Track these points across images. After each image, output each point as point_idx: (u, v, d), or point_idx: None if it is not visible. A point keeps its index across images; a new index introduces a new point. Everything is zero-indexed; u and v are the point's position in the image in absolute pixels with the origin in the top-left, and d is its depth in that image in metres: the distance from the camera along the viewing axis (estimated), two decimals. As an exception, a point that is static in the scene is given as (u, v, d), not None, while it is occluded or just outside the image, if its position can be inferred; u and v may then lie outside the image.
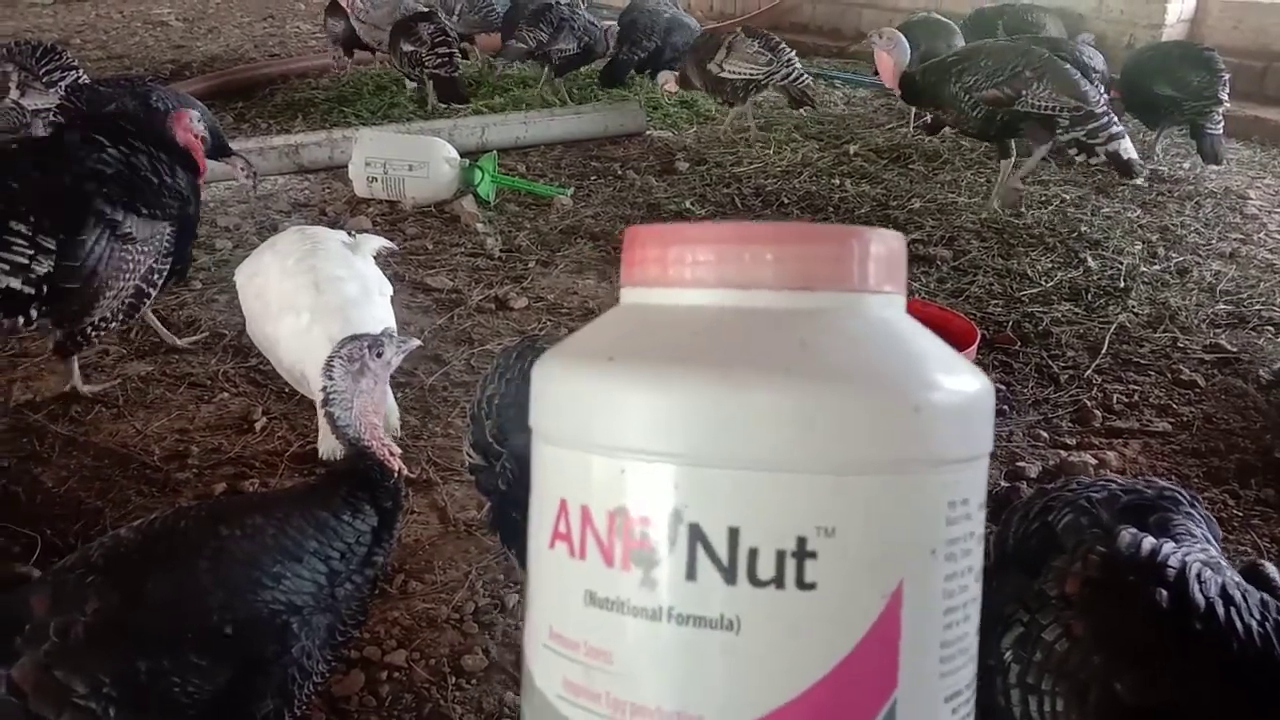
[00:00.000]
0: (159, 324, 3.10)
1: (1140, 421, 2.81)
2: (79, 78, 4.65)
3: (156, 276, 2.68)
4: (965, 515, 0.38)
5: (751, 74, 5.17)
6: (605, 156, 5.14)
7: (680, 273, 0.39)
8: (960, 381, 0.37)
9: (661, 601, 0.35)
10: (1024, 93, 3.99)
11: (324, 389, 1.50)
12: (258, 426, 2.67)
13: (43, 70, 4.55)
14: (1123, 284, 3.66)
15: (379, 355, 1.58)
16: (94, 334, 2.63)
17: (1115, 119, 4.05)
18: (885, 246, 0.40)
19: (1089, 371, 3.05)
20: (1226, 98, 4.65)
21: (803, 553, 0.34)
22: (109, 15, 8.98)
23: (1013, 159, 4.32)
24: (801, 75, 5.25)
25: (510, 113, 5.53)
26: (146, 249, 2.60)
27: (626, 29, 5.97)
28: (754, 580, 0.34)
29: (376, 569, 1.45)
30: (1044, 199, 4.53)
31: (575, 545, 0.38)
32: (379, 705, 1.82)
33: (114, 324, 2.65)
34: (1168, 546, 1.25)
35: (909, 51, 4.41)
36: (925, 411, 0.36)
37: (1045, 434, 2.73)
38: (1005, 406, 2.85)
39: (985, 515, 0.40)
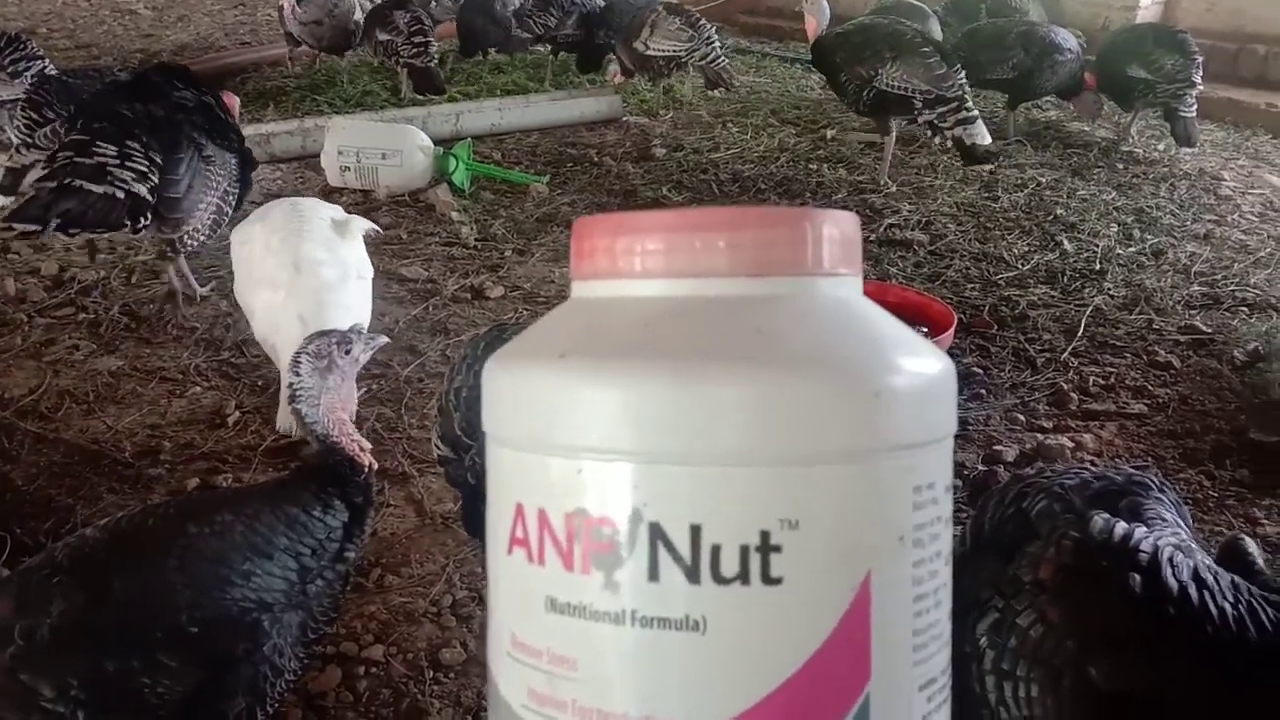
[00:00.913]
0: (189, 272, 3.21)
1: (1116, 404, 2.82)
2: (45, 68, 4.57)
3: (231, 198, 3.12)
4: (932, 499, 0.37)
5: (674, 51, 5.28)
6: (581, 143, 5.11)
7: (630, 263, 0.38)
8: (921, 364, 0.36)
9: (624, 604, 0.34)
10: (880, 72, 4.16)
11: (291, 385, 1.49)
12: (231, 421, 2.64)
13: (7, 60, 4.47)
14: (1098, 266, 3.67)
15: (347, 352, 1.57)
16: (190, 241, 3.03)
17: (969, 104, 4.13)
18: (839, 228, 0.39)
19: (1065, 354, 3.06)
20: (1200, 80, 4.67)
21: (767, 547, 0.33)
22: (76, 4, 8.84)
23: (893, 136, 4.40)
24: (719, 57, 5.34)
25: (485, 100, 5.49)
26: (222, 173, 3.05)
27: (604, 13, 5.92)
28: (718, 578, 0.33)
29: (348, 565, 1.44)
30: (1020, 182, 4.54)
31: (534, 550, 0.36)
32: (356, 701, 1.81)
33: (202, 236, 3.05)
34: (1139, 531, 1.25)
35: (828, 16, 4.49)
36: (886, 396, 0.35)
37: (1022, 417, 2.74)
38: (982, 390, 2.86)
39: (952, 497, 0.39)
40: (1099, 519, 1.27)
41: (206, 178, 2.99)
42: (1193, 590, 1.19)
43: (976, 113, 4.16)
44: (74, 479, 2.39)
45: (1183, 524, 1.35)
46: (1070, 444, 2.60)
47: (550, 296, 3.41)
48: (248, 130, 4.65)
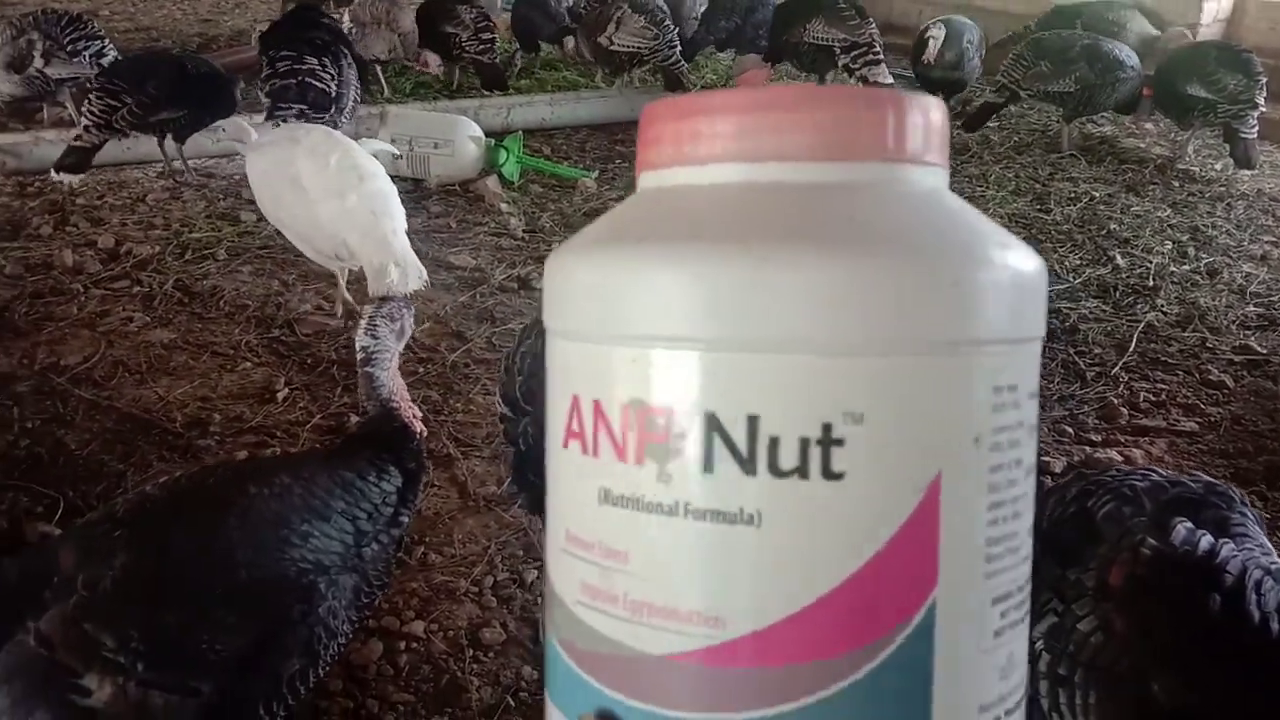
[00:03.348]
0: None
1: (1167, 420, 2.78)
2: (104, 48, 4.66)
3: (359, 94, 4.17)
4: (1014, 403, 0.35)
5: (637, 48, 5.37)
6: (630, 140, 5.09)
7: (695, 149, 0.36)
8: (1006, 257, 0.34)
9: (678, 496, 0.33)
10: (806, 28, 5.17)
11: (365, 348, 1.51)
12: (279, 396, 2.67)
13: (67, 40, 4.57)
14: (1152, 283, 3.62)
15: (410, 314, 1.59)
16: (345, 122, 3.90)
17: (878, 50, 5.18)
18: (924, 114, 0.36)
19: (1116, 369, 3.02)
20: (1263, 101, 4.58)
21: (828, 440, 0.32)
22: (137, -12, 8.99)
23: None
24: (677, 60, 5.43)
25: (536, 94, 5.51)
26: (356, 77, 4.11)
27: (708, 12, 5.94)
28: (775, 471, 0.32)
29: (402, 530, 1.45)
30: (1073, 195, 4.49)
31: (588, 442, 0.35)
32: (396, 675, 1.82)
33: (348, 118, 3.94)
34: (1227, 548, 1.18)
35: None
36: (965, 286, 0.33)
37: (1070, 430, 2.70)
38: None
39: (1038, 406, 0.37)
40: (1182, 528, 1.20)
41: (350, 81, 4.01)
42: (1275, 623, 1.12)
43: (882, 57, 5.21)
44: (125, 446, 2.43)
45: (1269, 545, 1.26)
46: (1119, 458, 2.56)
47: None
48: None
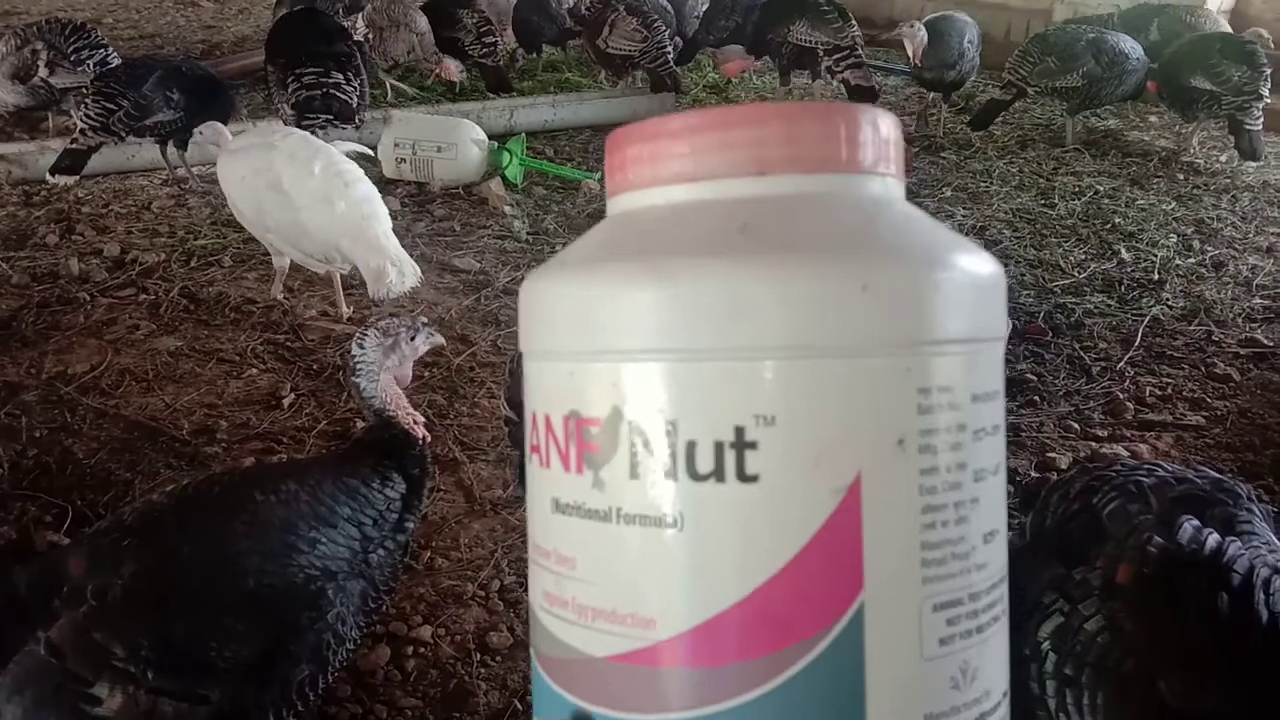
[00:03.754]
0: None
1: (1173, 415, 2.77)
2: (107, 56, 4.68)
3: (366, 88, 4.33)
4: (948, 404, 0.34)
5: (630, 51, 5.44)
6: (633, 141, 5.11)
7: (641, 172, 0.38)
8: (934, 260, 0.34)
9: (611, 502, 0.35)
10: (791, 29, 5.23)
11: (353, 357, 1.52)
12: (286, 403, 2.68)
13: (71, 48, 4.58)
14: (1157, 276, 3.61)
15: (412, 338, 1.60)
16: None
17: (860, 53, 5.21)
18: (873, 127, 0.37)
19: (1122, 364, 3.01)
20: (1267, 93, 4.56)
21: (741, 443, 0.33)
22: (140, -5, 9.02)
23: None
24: (666, 62, 5.48)
25: (538, 96, 5.52)
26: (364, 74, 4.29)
27: (709, 11, 5.95)
28: (694, 474, 0.33)
29: (407, 535, 1.46)
30: (1077, 190, 4.48)
31: (544, 455, 0.37)
32: (404, 679, 1.82)
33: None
34: (1234, 547, 1.17)
35: None
36: (876, 290, 0.33)
37: (1076, 425, 2.70)
38: (1035, 397, 2.82)
39: (1001, 408, 0.37)
40: (1189, 526, 1.19)
41: (360, 68, 4.24)
42: None
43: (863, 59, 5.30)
44: (133, 454, 2.44)
45: (1275, 540, 1.25)
46: (1125, 453, 2.56)
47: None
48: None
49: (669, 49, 5.52)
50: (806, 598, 0.33)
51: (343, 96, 4.01)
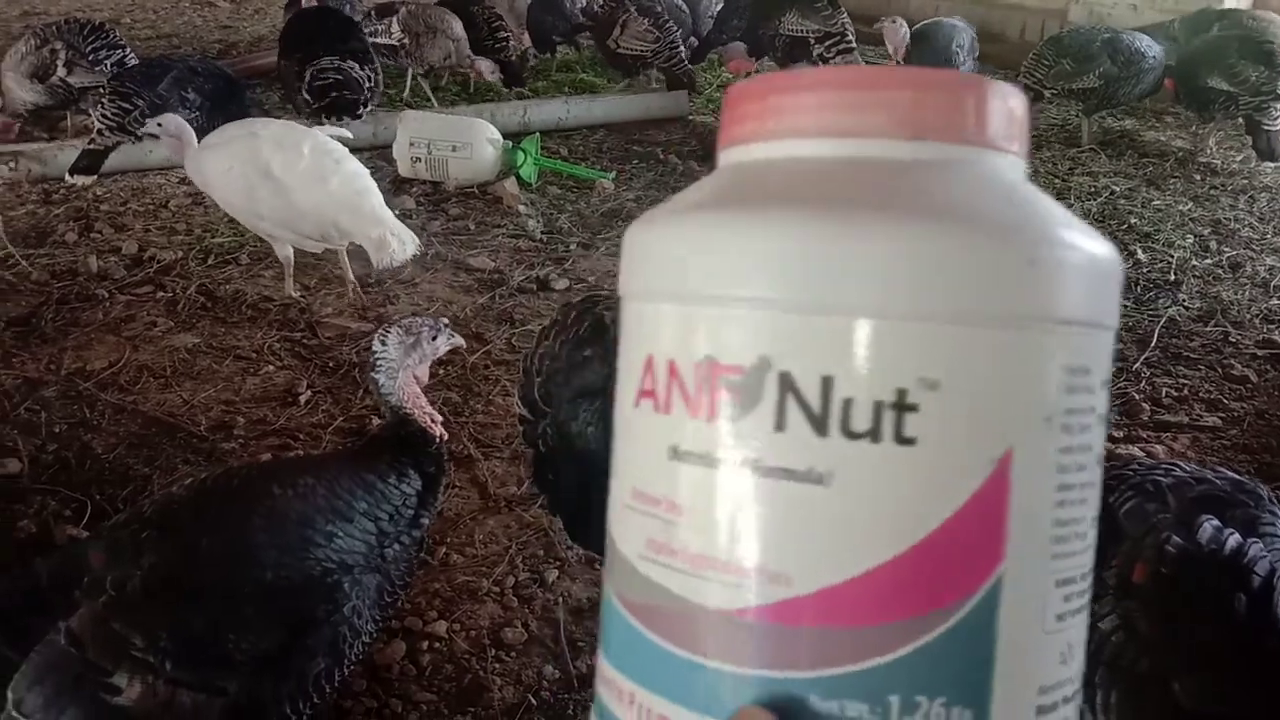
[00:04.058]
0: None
1: (1190, 416, 2.76)
2: (125, 56, 4.71)
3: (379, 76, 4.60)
4: (1086, 387, 0.35)
5: (641, 51, 5.48)
6: (647, 141, 5.12)
7: (779, 123, 0.37)
8: (1085, 242, 0.35)
9: (748, 453, 0.34)
10: (782, 20, 5.28)
11: (374, 353, 1.52)
12: (302, 399, 2.69)
13: (89, 48, 4.62)
14: (1173, 277, 3.60)
15: (434, 338, 1.61)
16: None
17: (850, 38, 5.28)
18: (1008, 102, 0.37)
19: (1138, 364, 3.00)
20: (1287, 92, 4.53)
21: (902, 405, 0.32)
22: (158, -4, 9.08)
23: None
24: (680, 61, 5.52)
25: (552, 95, 5.53)
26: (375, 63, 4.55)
27: (722, 11, 5.98)
28: (847, 432, 0.32)
29: (423, 531, 1.46)
30: (1093, 190, 4.46)
31: (660, 400, 0.36)
32: (419, 674, 1.83)
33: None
34: (1255, 548, 1.16)
35: None
36: (1042, 266, 0.33)
37: (1092, 425, 2.69)
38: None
39: (1109, 397, 0.37)
40: (1209, 526, 1.18)
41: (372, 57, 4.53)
42: None
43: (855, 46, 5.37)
44: (151, 449, 2.46)
45: None
46: (1141, 454, 2.54)
47: (611, 291, 3.42)
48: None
49: (681, 48, 5.54)
50: (950, 565, 0.33)
51: (357, 81, 4.31)
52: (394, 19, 5.44)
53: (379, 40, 5.32)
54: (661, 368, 0.36)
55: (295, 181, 2.96)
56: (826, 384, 0.33)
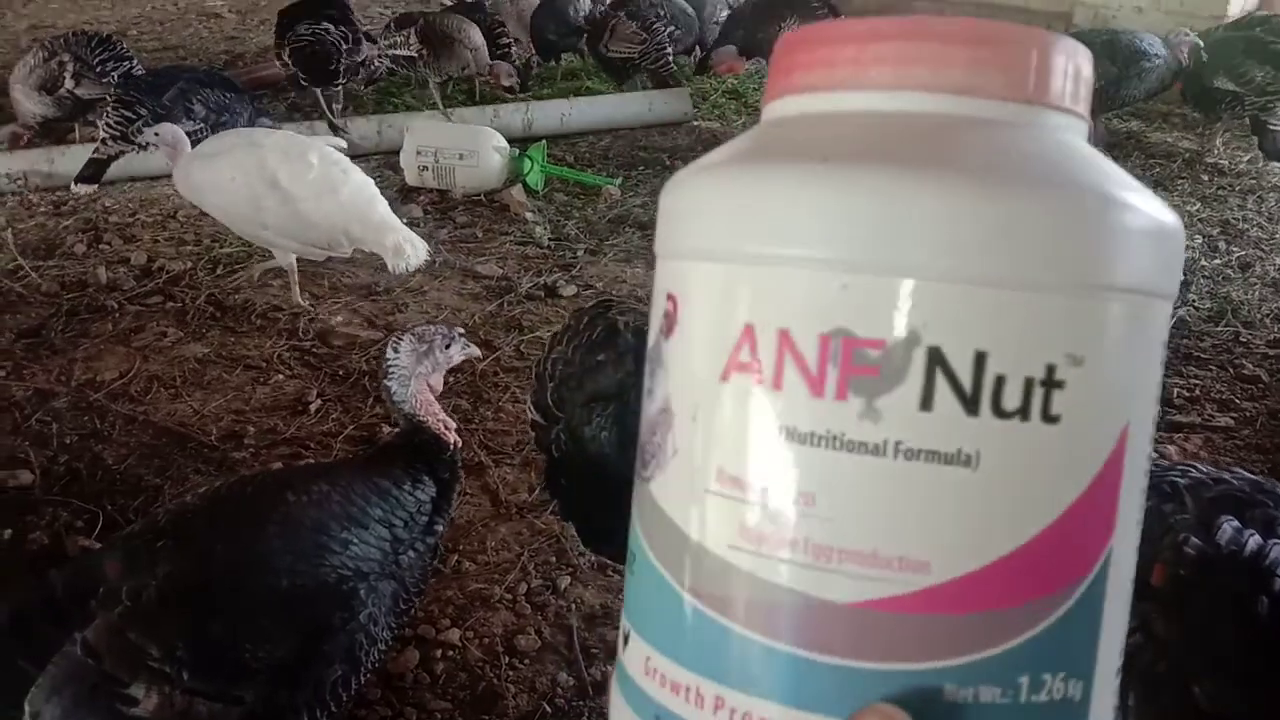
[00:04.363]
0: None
1: (1202, 416, 2.75)
2: (133, 68, 4.73)
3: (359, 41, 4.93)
4: (1161, 358, 0.35)
5: (629, 53, 5.54)
6: (653, 147, 5.13)
7: (880, 74, 0.34)
8: (1169, 215, 0.34)
9: (888, 435, 0.31)
10: (783, 26, 4.97)
11: (386, 361, 1.52)
12: (312, 408, 2.70)
13: (97, 60, 4.64)
14: (1183, 277, 3.57)
15: (447, 346, 1.60)
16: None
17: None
18: (1079, 62, 0.36)
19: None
20: (1292, 92, 4.52)
21: (1051, 382, 0.31)
22: (164, 7, 9.10)
23: None
24: (667, 64, 5.59)
25: (555, 99, 5.53)
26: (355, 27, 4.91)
27: (729, 19, 6.02)
28: (998, 411, 0.31)
29: (437, 538, 1.47)
30: (1100, 192, 4.45)
31: (766, 374, 0.33)
32: (433, 682, 1.83)
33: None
34: (1276, 549, 1.14)
35: None
36: (1162, 239, 0.33)
37: (1104, 427, 2.68)
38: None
39: None
40: (1229, 528, 1.16)
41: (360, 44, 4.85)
42: None
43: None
44: (162, 460, 2.46)
45: None
46: (1154, 454, 2.53)
47: (622, 296, 3.42)
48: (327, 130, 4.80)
49: (669, 50, 5.59)
50: (1078, 542, 0.32)
51: (333, 43, 4.69)
52: (412, 30, 5.42)
53: (398, 53, 5.35)
54: (769, 339, 0.33)
55: (305, 192, 2.96)
56: (979, 360, 0.31)
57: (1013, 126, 0.34)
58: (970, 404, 0.31)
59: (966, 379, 0.31)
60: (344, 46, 4.70)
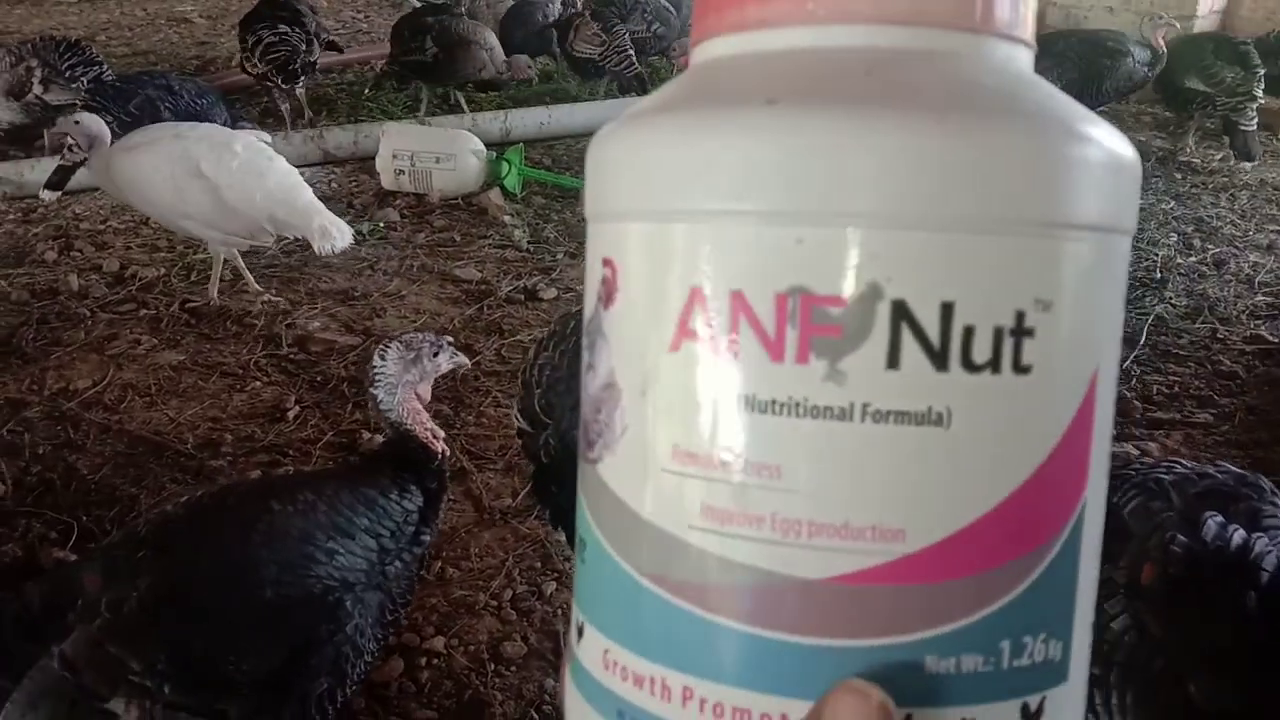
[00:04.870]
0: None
1: (1181, 413, 2.77)
2: (102, 73, 4.68)
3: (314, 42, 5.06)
4: (1126, 298, 0.33)
5: (591, 54, 5.57)
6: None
7: (819, 6, 0.32)
8: (1128, 148, 0.32)
9: (853, 397, 0.29)
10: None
11: (373, 369, 1.50)
12: (290, 415, 2.66)
13: (65, 66, 4.58)
14: (1159, 275, 3.62)
15: (435, 354, 1.58)
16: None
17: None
18: None
19: (1128, 363, 3.01)
20: (1261, 94, 4.58)
21: (1021, 330, 0.29)
22: (133, 13, 9.01)
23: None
24: (629, 65, 5.57)
25: (533, 105, 5.51)
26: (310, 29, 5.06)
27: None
28: (968, 365, 0.29)
29: (424, 548, 1.44)
30: (1075, 191, 4.48)
31: (720, 341, 0.30)
32: (418, 692, 1.81)
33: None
34: (1261, 542, 1.15)
35: None
36: (1124, 173, 0.31)
37: (1085, 425, 2.69)
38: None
39: None
40: (1214, 523, 1.16)
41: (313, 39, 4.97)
42: None
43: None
44: (137, 469, 2.42)
45: None
46: (1135, 451, 2.55)
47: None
48: (302, 134, 4.76)
49: (630, 52, 5.57)
50: (1055, 496, 0.31)
51: (291, 44, 4.83)
52: (427, 36, 5.35)
53: (411, 58, 5.33)
54: (719, 302, 0.30)
55: (228, 180, 3.00)
56: (946, 311, 0.29)
57: (963, 57, 0.32)
58: (939, 359, 0.29)
59: (934, 333, 0.29)
60: (301, 49, 4.85)
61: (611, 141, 0.34)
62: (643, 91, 5.56)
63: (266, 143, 3.27)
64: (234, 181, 3.00)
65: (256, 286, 3.28)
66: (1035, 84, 0.33)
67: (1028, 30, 0.34)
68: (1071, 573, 0.32)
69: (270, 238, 3.16)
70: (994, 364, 0.29)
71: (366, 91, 5.79)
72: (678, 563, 0.32)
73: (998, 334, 0.29)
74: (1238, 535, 1.17)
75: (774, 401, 0.30)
